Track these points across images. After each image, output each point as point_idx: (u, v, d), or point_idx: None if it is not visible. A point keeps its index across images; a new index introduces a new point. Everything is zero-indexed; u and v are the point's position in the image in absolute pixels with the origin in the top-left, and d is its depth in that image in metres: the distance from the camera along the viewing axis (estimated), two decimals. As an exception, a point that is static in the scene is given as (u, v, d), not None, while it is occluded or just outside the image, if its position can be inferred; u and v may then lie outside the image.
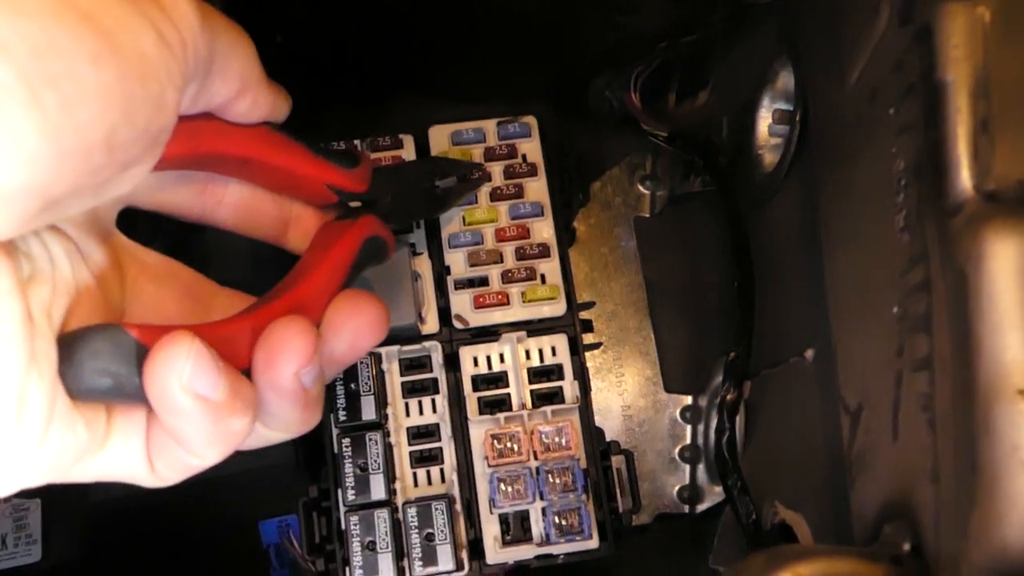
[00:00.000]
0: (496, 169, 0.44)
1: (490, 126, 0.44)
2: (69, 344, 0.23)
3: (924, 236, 0.24)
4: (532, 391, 0.41)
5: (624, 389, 0.48)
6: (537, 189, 0.44)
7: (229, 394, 0.24)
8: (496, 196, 0.43)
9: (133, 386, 0.23)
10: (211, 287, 0.31)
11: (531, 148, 0.44)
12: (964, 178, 0.23)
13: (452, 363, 0.42)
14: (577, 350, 0.42)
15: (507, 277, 0.42)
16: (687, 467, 0.47)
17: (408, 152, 0.44)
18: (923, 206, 0.24)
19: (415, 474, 0.40)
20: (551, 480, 0.40)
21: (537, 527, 0.40)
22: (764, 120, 0.43)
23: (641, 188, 0.50)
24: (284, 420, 0.27)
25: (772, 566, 0.23)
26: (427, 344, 0.41)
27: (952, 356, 0.22)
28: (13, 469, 0.22)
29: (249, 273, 0.44)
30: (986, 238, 0.22)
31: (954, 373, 0.22)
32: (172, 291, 0.30)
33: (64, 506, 0.45)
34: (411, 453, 0.41)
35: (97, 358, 0.23)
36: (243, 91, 0.27)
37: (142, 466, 0.26)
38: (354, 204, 0.35)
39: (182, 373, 0.23)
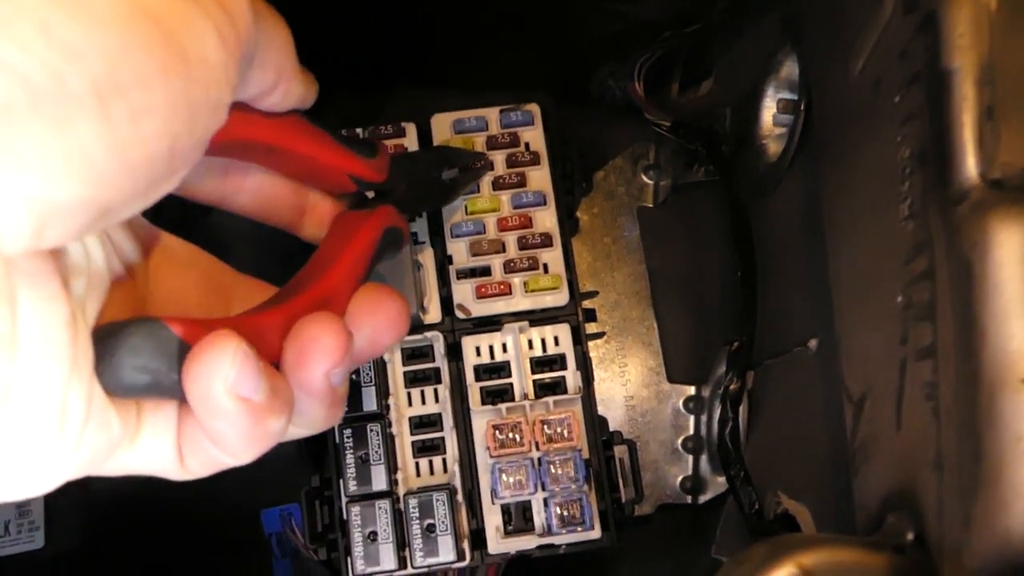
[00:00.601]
0: (498, 158, 0.43)
1: (492, 114, 0.44)
2: (106, 339, 0.22)
3: (928, 224, 0.24)
4: (534, 381, 0.41)
5: (627, 379, 0.48)
6: (540, 178, 0.43)
7: (269, 395, 0.24)
8: (498, 185, 0.43)
9: (171, 383, 0.23)
10: (231, 274, 0.31)
11: (534, 136, 0.44)
12: (969, 166, 0.23)
13: (454, 353, 0.42)
14: (580, 340, 0.42)
15: (509, 267, 0.42)
16: (690, 457, 0.47)
17: (410, 140, 0.44)
18: (927, 194, 0.24)
19: (417, 464, 0.40)
20: (553, 470, 0.40)
21: (539, 517, 0.40)
22: (768, 110, 0.42)
23: (644, 178, 0.50)
24: (310, 418, 0.27)
25: (774, 556, 0.23)
26: (429, 334, 0.41)
27: (956, 345, 0.22)
28: (50, 473, 0.22)
29: (253, 257, 0.44)
30: (991, 226, 0.22)
31: (958, 362, 0.22)
32: (194, 279, 0.29)
33: (67, 493, 0.45)
34: (413, 443, 0.41)
35: (136, 354, 0.22)
36: (278, 82, 0.27)
37: (172, 461, 0.25)
38: (369, 193, 0.34)
39: (227, 375, 0.23)
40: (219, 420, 0.23)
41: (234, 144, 0.28)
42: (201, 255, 0.30)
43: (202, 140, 0.22)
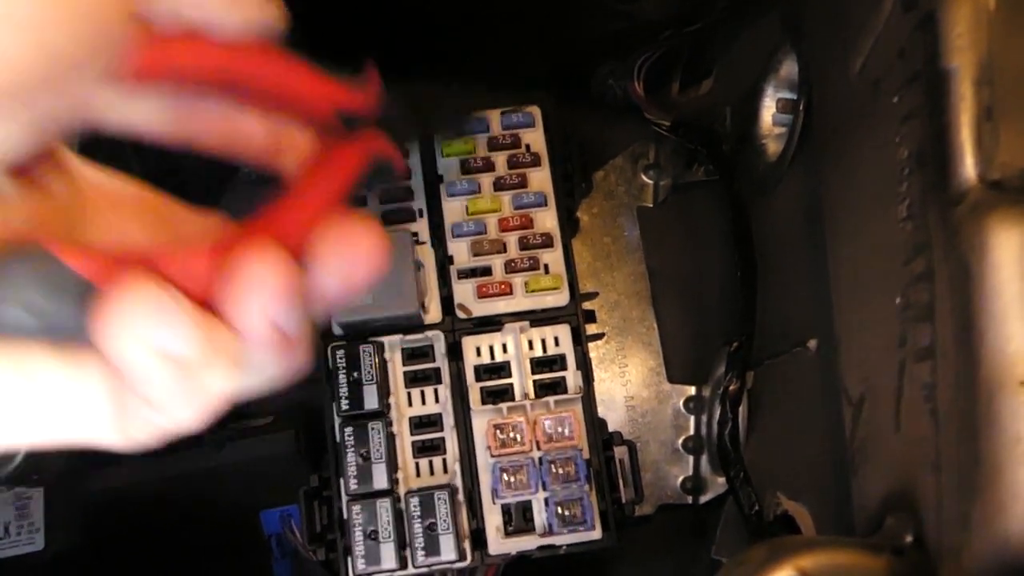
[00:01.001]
0: (500, 159, 0.43)
1: (494, 116, 0.44)
2: None
3: (927, 225, 0.24)
4: (535, 381, 0.41)
5: (627, 379, 0.48)
6: (540, 179, 0.43)
7: (204, 348, 0.21)
8: (499, 186, 0.43)
9: (70, 328, 0.20)
10: (182, 213, 0.27)
11: (535, 138, 0.44)
12: (968, 167, 0.23)
13: (455, 353, 0.41)
14: (580, 340, 0.42)
15: (510, 267, 0.42)
16: (690, 457, 0.47)
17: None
18: (926, 195, 0.24)
19: (417, 464, 0.40)
20: (554, 470, 0.40)
21: (540, 517, 0.40)
22: (768, 109, 0.42)
23: (644, 177, 0.50)
24: (259, 367, 0.23)
25: (773, 558, 0.23)
26: (430, 334, 0.41)
27: (954, 346, 0.22)
28: None
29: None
30: (989, 227, 0.22)
31: (956, 363, 0.22)
32: (138, 219, 0.26)
33: (66, 495, 0.45)
34: (413, 443, 0.40)
35: (18, 290, 0.19)
36: None
37: (109, 420, 0.22)
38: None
39: (143, 331, 0.20)
40: (143, 383, 0.20)
41: (192, 71, 0.25)
42: (146, 193, 0.27)
43: (93, 39, 0.20)
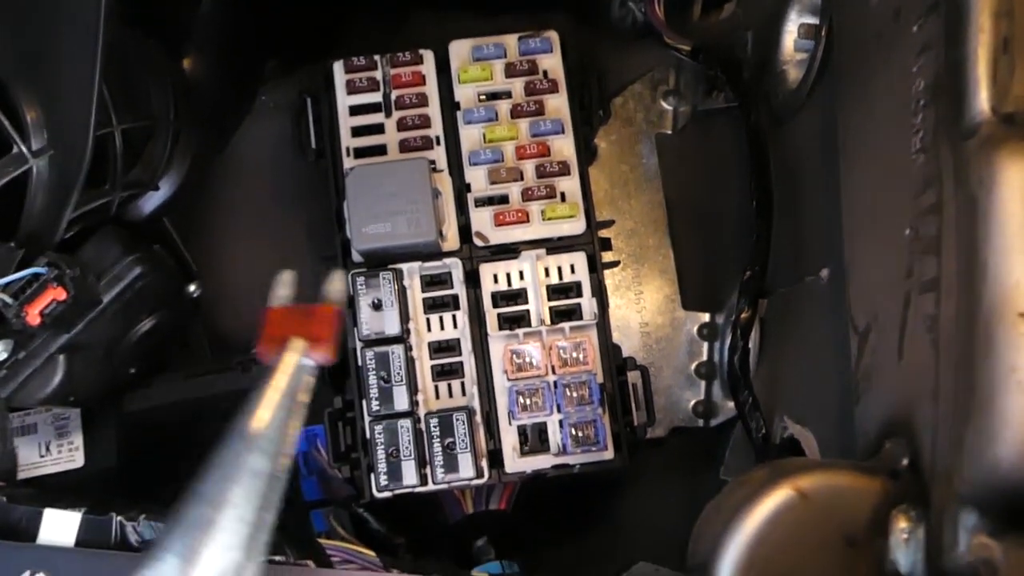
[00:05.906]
0: (517, 86, 0.43)
1: (511, 41, 0.44)
2: None
3: (939, 158, 0.24)
4: (551, 308, 0.42)
5: (642, 306, 0.48)
6: (558, 106, 0.43)
7: None
8: (516, 113, 0.43)
9: None
10: None
11: (552, 64, 0.44)
12: (982, 99, 0.23)
13: (472, 280, 0.42)
14: (595, 268, 0.42)
15: (527, 195, 0.42)
16: (703, 383, 0.48)
17: (428, 67, 0.44)
18: (939, 127, 0.24)
19: (436, 387, 0.42)
20: (568, 393, 0.41)
21: (554, 438, 0.41)
22: (790, 34, 0.42)
23: (664, 104, 0.50)
24: None
25: (773, 479, 0.24)
26: (448, 261, 0.42)
27: (958, 278, 0.23)
28: None
29: (266, 194, 0.44)
30: (999, 162, 0.22)
31: (959, 295, 0.23)
32: None
33: (102, 416, 0.47)
34: (433, 367, 0.42)
35: None
36: None
37: None
38: None
39: None
40: None
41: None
42: None
43: None
